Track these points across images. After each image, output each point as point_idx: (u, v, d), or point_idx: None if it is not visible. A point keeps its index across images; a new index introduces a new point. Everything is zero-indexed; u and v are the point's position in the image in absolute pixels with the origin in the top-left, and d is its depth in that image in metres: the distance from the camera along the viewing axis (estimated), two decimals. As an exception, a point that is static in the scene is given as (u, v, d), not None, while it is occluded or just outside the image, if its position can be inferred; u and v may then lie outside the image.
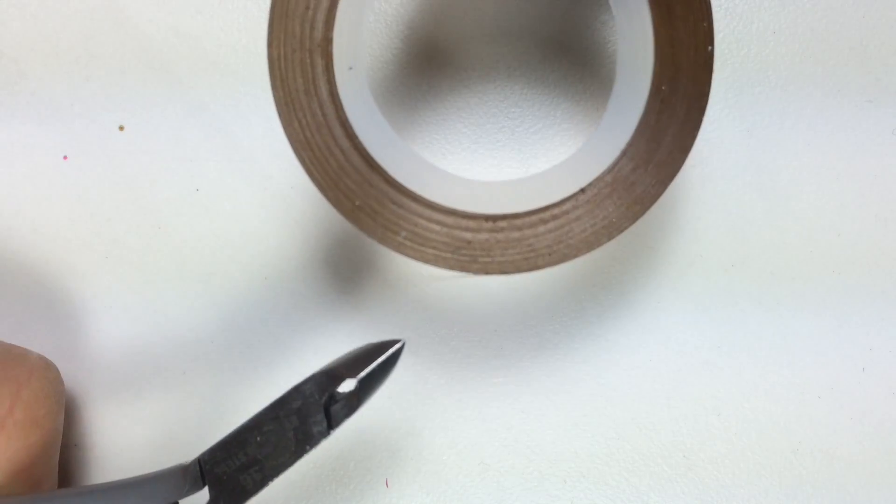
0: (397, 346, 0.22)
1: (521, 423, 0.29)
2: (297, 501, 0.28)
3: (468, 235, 0.23)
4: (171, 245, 0.29)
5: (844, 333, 0.29)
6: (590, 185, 0.23)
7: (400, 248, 0.23)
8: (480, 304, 0.29)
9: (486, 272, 0.22)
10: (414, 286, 0.29)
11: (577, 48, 0.29)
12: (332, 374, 0.22)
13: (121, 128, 0.29)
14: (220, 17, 0.29)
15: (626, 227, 0.22)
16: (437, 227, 0.23)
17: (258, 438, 0.22)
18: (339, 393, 0.22)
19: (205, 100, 0.29)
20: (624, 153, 0.23)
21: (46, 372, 0.25)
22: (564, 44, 0.29)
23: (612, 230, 0.22)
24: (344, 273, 0.29)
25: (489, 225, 0.23)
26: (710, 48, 0.22)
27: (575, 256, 0.22)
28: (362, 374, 0.22)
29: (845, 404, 0.28)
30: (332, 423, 0.22)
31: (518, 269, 0.22)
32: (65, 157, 0.29)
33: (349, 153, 0.23)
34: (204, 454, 0.23)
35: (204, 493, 0.22)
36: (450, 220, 0.23)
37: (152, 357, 0.29)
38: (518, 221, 0.23)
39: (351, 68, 0.23)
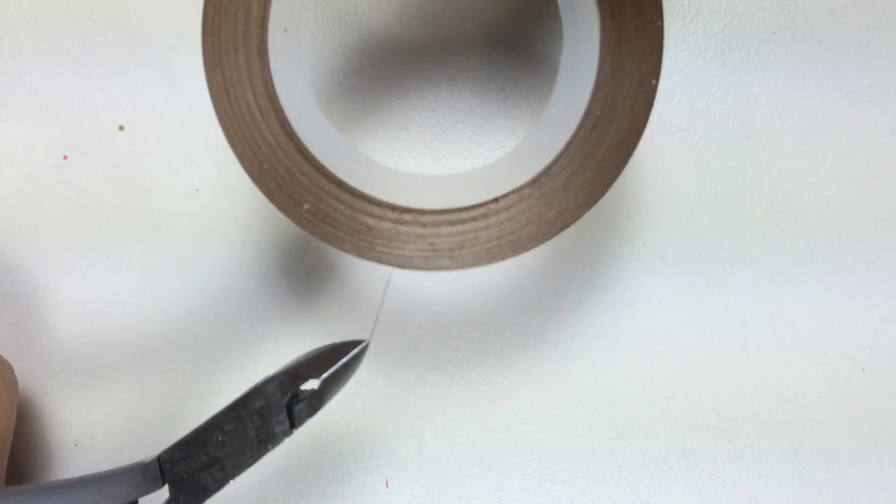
0: (361, 346, 0.22)
1: (521, 423, 0.29)
2: (297, 501, 0.28)
3: (370, 221, 0.22)
4: (171, 245, 0.29)
5: (844, 333, 0.29)
6: (505, 196, 0.22)
7: (300, 221, 0.22)
8: (480, 304, 0.29)
9: (380, 261, 0.22)
10: (414, 287, 0.29)
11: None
12: (295, 374, 0.22)
13: (121, 128, 0.29)
14: (220, 17, 0.29)
15: (530, 248, 0.22)
16: (341, 207, 0.22)
17: (219, 437, 0.22)
18: (302, 391, 0.22)
19: (205, 100, 0.29)
20: (547, 170, 0.22)
21: (1, 372, 0.25)
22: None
23: (517, 247, 0.22)
24: (346, 274, 0.29)
25: (394, 215, 0.22)
26: (654, 82, 0.21)
27: (475, 265, 0.22)
28: (325, 374, 0.22)
29: (845, 404, 0.28)
30: (294, 423, 0.22)
31: (415, 266, 0.22)
32: (65, 157, 0.29)
33: (267, 113, 0.22)
34: (164, 452, 0.22)
35: (163, 491, 0.22)
36: (356, 202, 0.22)
37: (152, 356, 0.29)
38: (423, 218, 0.22)
39: (286, 30, 0.22)
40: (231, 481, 0.22)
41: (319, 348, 0.23)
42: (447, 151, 0.29)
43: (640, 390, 0.29)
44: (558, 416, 0.29)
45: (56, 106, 0.29)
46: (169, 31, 0.29)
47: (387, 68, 0.29)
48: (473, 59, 0.29)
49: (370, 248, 0.22)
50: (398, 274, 0.29)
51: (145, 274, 0.29)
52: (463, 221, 0.22)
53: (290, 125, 0.22)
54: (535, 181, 0.22)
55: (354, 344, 0.22)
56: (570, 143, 0.22)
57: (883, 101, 0.29)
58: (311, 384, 0.22)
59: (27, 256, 0.29)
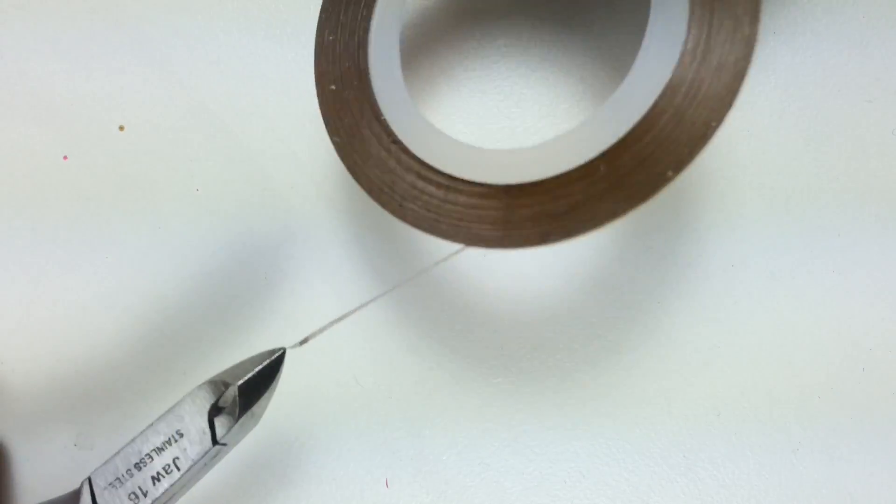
0: (278, 353, 0.22)
1: (521, 423, 0.29)
2: (297, 501, 0.28)
3: (404, 175, 0.23)
4: (171, 245, 0.29)
5: (844, 333, 0.29)
6: (483, 184, 0.22)
7: (340, 149, 0.23)
8: (480, 303, 0.29)
9: (383, 206, 0.22)
10: (415, 287, 0.29)
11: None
12: (216, 383, 0.22)
13: (121, 128, 0.29)
14: (220, 17, 0.29)
15: (492, 246, 0.21)
16: (384, 156, 0.22)
17: (147, 453, 0.22)
18: (223, 400, 0.22)
19: (205, 100, 0.29)
20: (551, 178, 0.21)
21: None
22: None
23: (470, 239, 0.22)
24: (346, 274, 0.29)
25: (416, 166, 0.22)
26: (713, 124, 0.20)
27: (430, 232, 0.22)
28: (244, 378, 0.22)
29: (845, 404, 0.28)
30: (216, 435, 0.22)
31: (415, 225, 0.22)
32: (65, 158, 0.29)
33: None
34: (94, 473, 0.22)
35: None
36: (394, 148, 0.23)
37: (152, 356, 0.29)
38: (438, 177, 0.22)
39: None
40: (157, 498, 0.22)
41: (243, 360, 0.23)
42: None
43: (640, 390, 0.29)
44: (558, 416, 0.29)
45: (56, 106, 0.29)
46: (169, 31, 0.29)
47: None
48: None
49: (381, 191, 0.23)
50: (397, 273, 0.29)
51: (145, 274, 0.29)
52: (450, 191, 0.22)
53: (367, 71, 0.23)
54: (521, 188, 0.22)
55: (275, 352, 0.22)
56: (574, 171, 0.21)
57: (883, 101, 0.29)
58: (231, 392, 0.22)
59: (27, 256, 0.29)
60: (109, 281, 0.29)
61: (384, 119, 0.23)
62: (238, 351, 0.29)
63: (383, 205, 0.22)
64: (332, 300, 0.29)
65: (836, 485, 0.28)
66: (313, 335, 0.23)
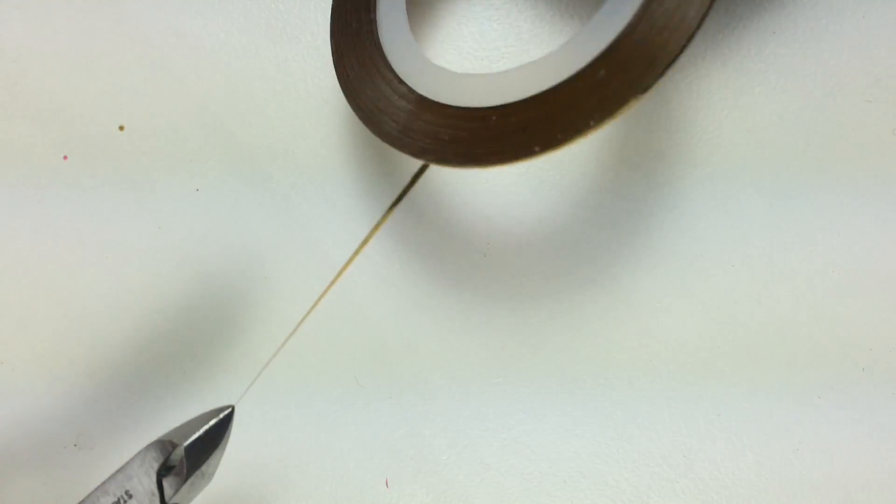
0: (226, 411, 0.22)
1: (521, 423, 0.29)
2: (297, 501, 0.28)
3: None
4: (171, 245, 0.29)
5: (844, 333, 0.29)
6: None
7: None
8: (481, 303, 0.29)
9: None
10: (414, 287, 0.29)
11: None
12: (164, 443, 0.22)
13: (121, 128, 0.29)
14: (219, 17, 0.29)
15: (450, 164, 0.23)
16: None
17: None
18: (172, 459, 0.21)
19: (205, 100, 0.29)
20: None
21: None
22: None
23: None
24: (344, 276, 0.29)
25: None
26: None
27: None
28: (190, 439, 0.21)
29: (845, 404, 0.28)
30: (164, 497, 0.21)
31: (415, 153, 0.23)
32: (65, 157, 0.29)
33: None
34: None
35: None
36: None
37: (152, 356, 0.29)
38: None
39: None
40: None
41: (192, 418, 0.22)
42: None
43: (641, 390, 0.29)
44: (558, 416, 0.29)
45: (56, 106, 0.29)
46: (169, 31, 0.29)
47: None
48: None
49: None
50: (397, 273, 0.29)
51: (145, 274, 0.29)
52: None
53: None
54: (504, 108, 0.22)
55: (222, 410, 0.22)
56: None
57: (883, 101, 0.29)
58: (178, 453, 0.22)
59: (27, 256, 0.29)
60: (109, 281, 0.29)
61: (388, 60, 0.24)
62: (237, 351, 0.29)
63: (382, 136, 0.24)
64: (332, 304, 0.29)
65: (836, 485, 0.28)
66: (248, 388, 0.24)
